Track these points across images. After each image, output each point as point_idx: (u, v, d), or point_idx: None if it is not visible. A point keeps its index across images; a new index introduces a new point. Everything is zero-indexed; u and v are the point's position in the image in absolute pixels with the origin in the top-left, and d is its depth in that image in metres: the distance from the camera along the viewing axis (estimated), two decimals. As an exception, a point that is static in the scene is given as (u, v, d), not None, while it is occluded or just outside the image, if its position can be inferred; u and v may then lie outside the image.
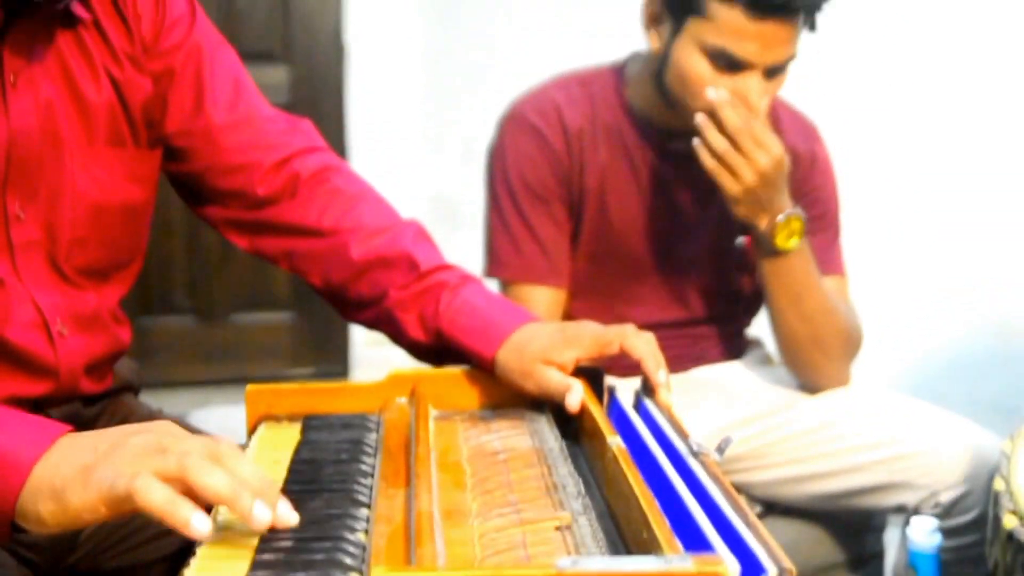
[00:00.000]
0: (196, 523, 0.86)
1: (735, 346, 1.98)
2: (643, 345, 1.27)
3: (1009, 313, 2.60)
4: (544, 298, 1.80)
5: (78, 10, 1.23)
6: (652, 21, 1.74)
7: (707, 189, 1.76)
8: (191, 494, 0.87)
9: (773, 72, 1.67)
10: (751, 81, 1.65)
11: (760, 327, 1.95)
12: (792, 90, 1.77)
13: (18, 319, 1.22)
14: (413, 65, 3.86)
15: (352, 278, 1.41)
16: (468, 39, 3.65)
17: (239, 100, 1.40)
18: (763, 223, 1.66)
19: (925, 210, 2.78)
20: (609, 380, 1.29)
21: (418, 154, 3.86)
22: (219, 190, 1.41)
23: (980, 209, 2.68)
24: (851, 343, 1.81)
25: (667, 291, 1.88)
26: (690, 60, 1.67)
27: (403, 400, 1.30)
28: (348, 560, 0.88)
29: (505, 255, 1.82)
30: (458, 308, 1.37)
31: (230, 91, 1.39)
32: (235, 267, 3.77)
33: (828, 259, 1.83)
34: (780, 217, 1.65)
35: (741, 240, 1.82)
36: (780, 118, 1.84)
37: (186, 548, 0.91)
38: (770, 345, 1.92)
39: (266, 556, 0.89)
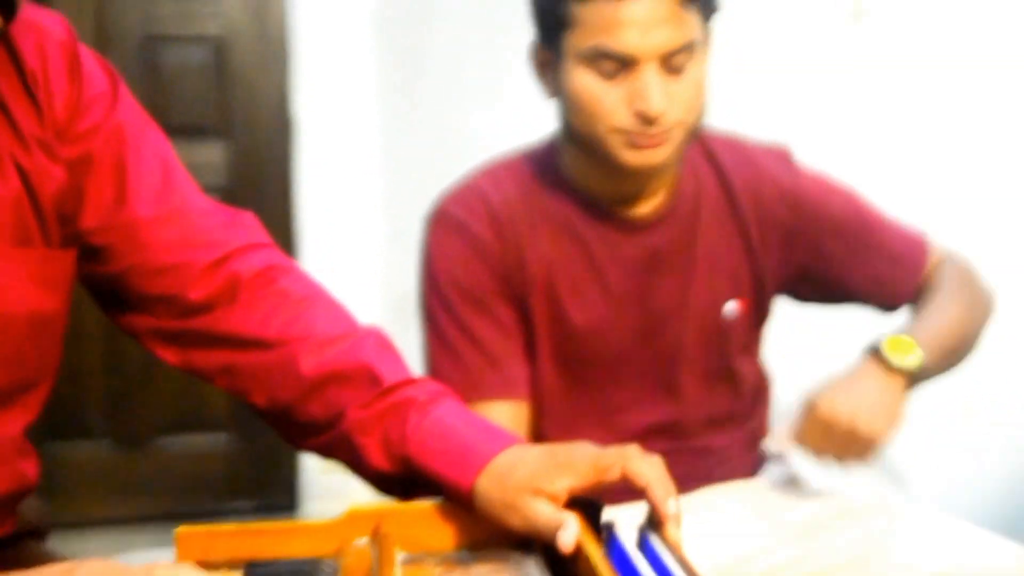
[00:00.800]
0: None
1: (750, 459, 1.97)
2: (649, 470, 1.25)
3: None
4: (502, 417, 1.75)
5: None
6: (544, 70, 1.77)
7: (680, 257, 1.79)
8: None
9: (673, 65, 1.66)
10: (645, 75, 1.64)
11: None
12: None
13: None
14: (370, 141, 3.91)
15: (302, 396, 1.38)
16: (430, 109, 3.70)
17: (168, 190, 1.39)
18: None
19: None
20: (608, 512, 1.27)
21: (377, 245, 3.89)
22: (144, 295, 1.39)
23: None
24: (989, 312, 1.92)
25: (654, 391, 1.86)
26: (576, 79, 1.68)
27: (364, 541, 1.28)
28: None
29: (446, 373, 1.77)
30: (429, 430, 1.34)
31: (158, 179, 1.39)
32: (161, 384, 3.77)
33: (906, 254, 1.88)
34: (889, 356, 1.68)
35: (732, 306, 1.83)
36: (758, 160, 1.87)
37: None
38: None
39: None
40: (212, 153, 3.87)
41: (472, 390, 1.75)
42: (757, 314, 1.88)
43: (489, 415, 1.71)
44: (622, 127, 1.67)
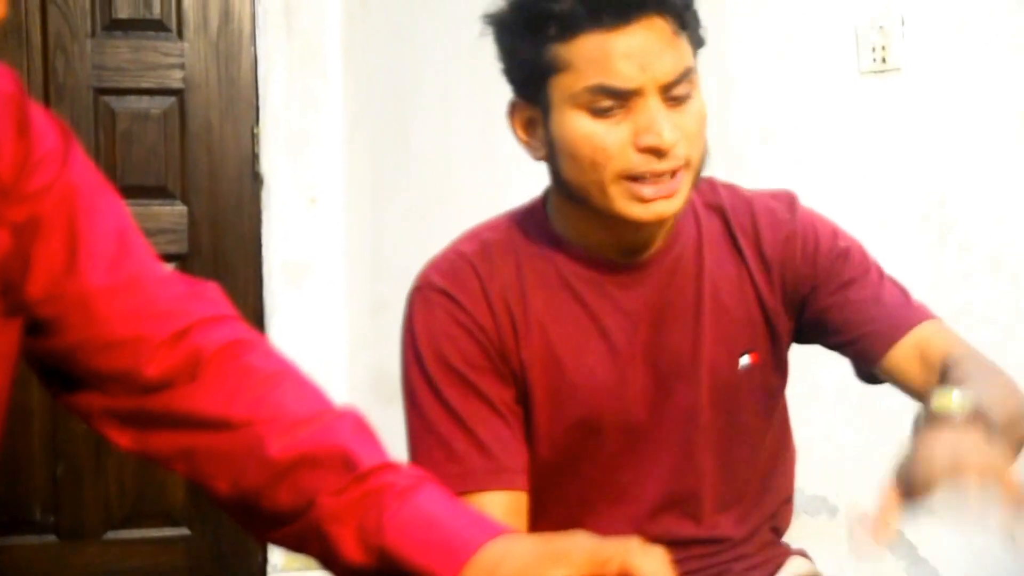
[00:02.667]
0: None
1: (770, 554, 1.95)
2: (651, 565, 1.25)
3: None
4: (497, 510, 1.70)
5: None
6: (527, 130, 1.77)
7: (687, 307, 1.79)
8: None
9: (674, 96, 1.67)
10: (650, 108, 1.64)
11: (804, 535, 1.94)
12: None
13: None
14: (344, 202, 3.92)
15: (270, 482, 1.36)
16: (409, 167, 3.72)
17: (124, 257, 1.39)
18: None
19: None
20: None
21: (354, 316, 3.89)
22: (96, 372, 1.38)
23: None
24: None
25: (669, 462, 1.83)
26: (571, 126, 1.68)
27: (336, 645, 1.28)
28: None
29: (434, 462, 1.71)
30: (409, 518, 1.33)
31: (112, 245, 1.38)
32: (113, 471, 3.75)
33: (911, 309, 1.85)
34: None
35: (747, 360, 1.81)
36: (760, 203, 1.87)
37: None
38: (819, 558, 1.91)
39: None
40: (172, 216, 3.88)
41: (464, 481, 1.72)
42: (775, 366, 1.86)
43: (484, 509, 1.67)
44: (629, 170, 1.65)
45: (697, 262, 1.81)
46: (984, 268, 2.82)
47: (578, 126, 1.67)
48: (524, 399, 1.80)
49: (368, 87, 3.91)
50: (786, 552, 1.98)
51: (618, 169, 1.65)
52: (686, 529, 1.83)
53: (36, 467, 3.73)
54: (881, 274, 1.88)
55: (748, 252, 1.83)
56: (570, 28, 1.65)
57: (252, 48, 3.95)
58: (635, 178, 1.66)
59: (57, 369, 1.40)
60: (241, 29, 3.95)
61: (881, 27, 2.93)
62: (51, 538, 3.82)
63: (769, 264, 1.82)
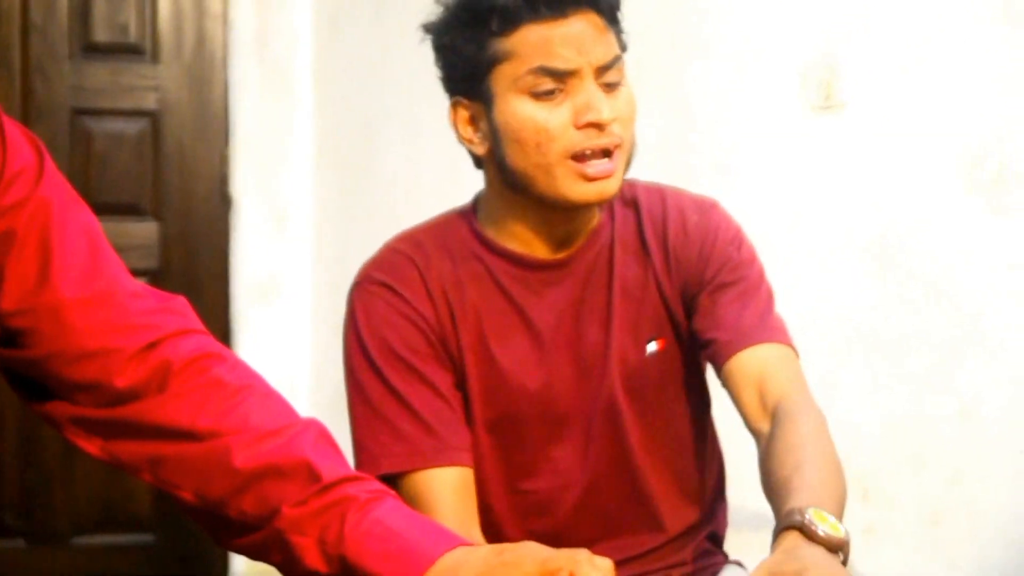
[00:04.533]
0: None
1: (707, 562, 1.93)
2: (594, 572, 1.25)
3: None
4: (446, 484, 1.75)
5: None
6: (469, 126, 1.79)
7: (600, 299, 1.81)
8: None
9: (607, 80, 1.71)
10: (588, 88, 1.70)
11: (747, 550, 1.94)
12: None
13: None
14: (312, 221, 3.92)
15: (235, 492, 1.35)
16: (370, 192, 3.72)
17: (95, 271, 1.37)
18: None
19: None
20: None
21: (319, 334, 3.88)
22: (67, 382, 1.36)
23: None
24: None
25: (595, 443, 1.84)
26: (516, 111, 1.72)
27: (295, 650, 1.27)
28: None
29: (377, 444, 1.77)
30: (369, 529, 1.32)
31: (84, 259, 1.36)
32: (82, 478, 3.72)
33: (762, 325, 1.82)
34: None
35: (654, 347, 1.83)
36: (674, 202, 1.89)
37: None
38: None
39: None
40: (144, 233, 3.87)
41: (412, 459, 1.75)
42: (681, 353, 1.86)
43: (433, 486, 1.74)
44: (572, 147, 1.69)
45: (610, 259, 1.84)
46: (924, 296, 2.83)
47: (522, 110, 1.71)
48: (462, 385, 1.81)
49: (337, 112, 3.91)
50: (723, 561, 1.98)
51: (561, 148, 1.69)
52: (625, 513, 1.85)
53: (7, 472, 3.70)
54: (758, 288, 1.87)
55: (654, 247, 1.85)
56: (512, 21, 1.69)
57: (224, 73, 3.95)
58: (578, 157, 1.69)
59: (29, 378, 1.38)
60: (214, 54, 3.94)
61: (827, 66, 2.94)
62: (20, 542, 3.79)
63: (670, 259, 1.85)
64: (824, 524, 1.48)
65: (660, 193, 1.89)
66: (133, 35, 3.90)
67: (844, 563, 1.46)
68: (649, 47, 3.18)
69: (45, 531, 3.80)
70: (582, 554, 1.26)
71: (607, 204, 1.83)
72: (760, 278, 1.87)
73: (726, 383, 1.78)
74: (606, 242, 1.85)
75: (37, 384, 1.39)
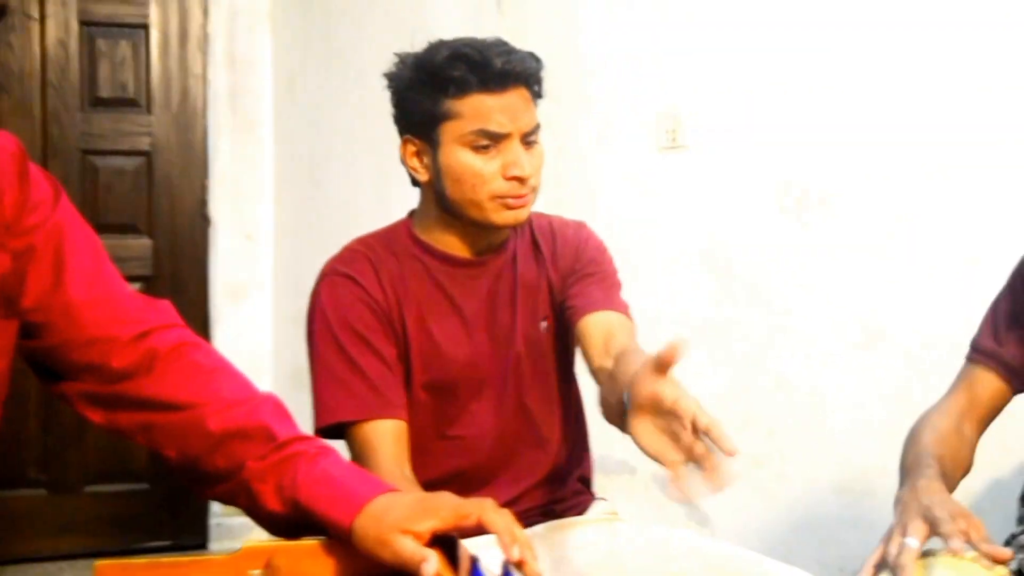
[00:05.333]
0: None
1: (580, 499, 1.97)
2: (499, 520, 1.24)
3: (860, 471, 2.65)
4: (387, 433, 1.76)
5: None
6: (416, 158, 1.81)
7: (507, 289, 1.86)
8: None
9: (529, 141, 1.76)
10: (515, 149, 1.74)
11: (611, 491, 1.95)
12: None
13: None
14: (272, 239, 3.90)
15: (209, 450, 1.35)
16: (320, 212, 3.70)
17: (98, 278, 1.37)
18: None
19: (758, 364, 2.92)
20: (475, 544, 1.25)
21: (278, 325, 3.85)
22: (75, 364, 1.36)
23: (815, 375, 2.81)
24: None
25: (507, 403, 1.88)
26: (458, 158, 1.75)
27: (257, 574, 1.24)
28: None
29: (334, 399, 1.78)
30: (316, 478, 1.32)
31: (90, 269, 1.36)
32: (90, 439, 3.69)
33: (609, 299, 1.86)
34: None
35: (544, 324, 1.88)
36: (556, 224, 1.95)
37: None
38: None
39: None
40: (139, 247, 3.84)
41: (360, 412, 1.76)
42: (560, 329, 1.90)
43: (375, 433, 1.75)
44: (499, 192, 1.74)
45: (514, 261, 1.90)
46: (745, 295, 2.86)
47: (463, 158, 1.75)
48: (405, 357, 1.83)
49: (292, 153, 3.90)
50: (591, 498, 2.02)
51: (491, 191, 1.74)
52: (509, 458, 1.87)
53: (30, 436, 3.66)
54: (610, 278, 1.92)
55: (545, 253, 1.92)
56: (463, 90, 1.72)
57: (204, 121, 3.92)
58: (502, 197, 1.74)
59: (46, 363, 1.38)
60: (195, 107, 3.91)
61: (672, 117, 2.96)
62: (42, 491, 3.75)
63: (556, 262, 1.91)
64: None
65: (546, 218, 1.98)
66: (131, 91, 3.86)
67: None
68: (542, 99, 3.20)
69: (61, 482, 3.76)
70: (488, 503, 1.26)
71: None
72: (613, 273, 1.94)
73: (579, 335, 1.81)
74: (511, 250, 1.90)
75: (52, 368, 1.38)
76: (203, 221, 3.89)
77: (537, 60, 1.79)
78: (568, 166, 3.14)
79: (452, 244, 1.85)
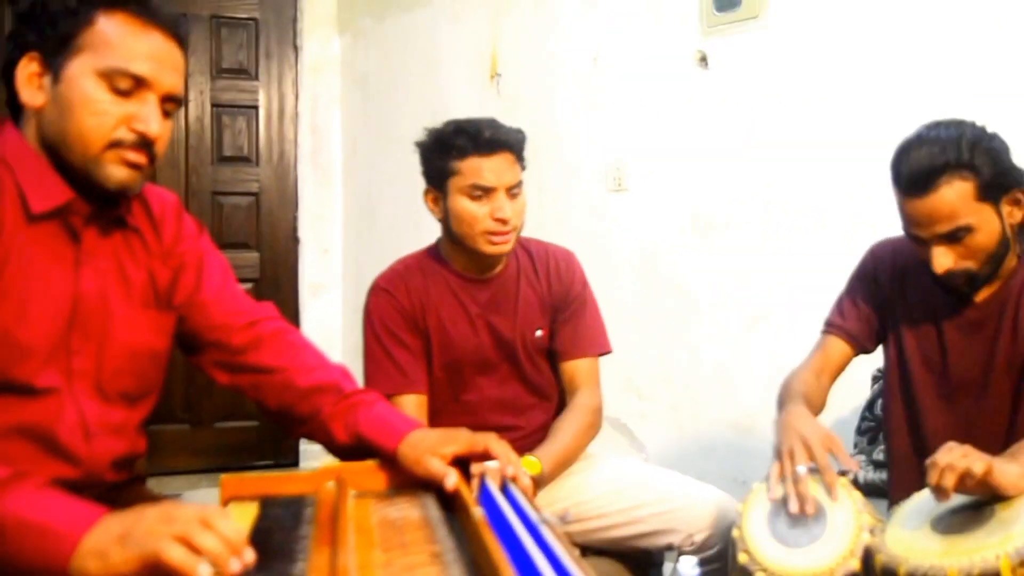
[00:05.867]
0: (203, 571, 0.85)
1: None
2: (500, 448, 1.25)
3: (745, 413, 2.66)
4: (408, 403, 1.75)
5: (128, 219, 1.26)
6: (434, 203, 1.78)
7: (509, 302, 1.81)
8: (192, 548, 0.87)
9: (512, 193, 1.72)
10: (500, 198, 1.70)
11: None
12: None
13: (65, 422, 1.18)
14: (341, 256, 3.90)
15: (297, 400, 1.36)
16: (380, 240, 3.70)
17: (224, 285, 1.39)
18: None
19: (664, 316, 2.90)
20: (484, 466, 1.24)
21: (346, 315, 3.85)
22: (207, 342, 1.37)
23: (719, 312, 2.81)
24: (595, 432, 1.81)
25: (508, 384, 1.84)
26: (460, 204, 1.71)
27: (331, 484, 1.25)
28: (289, 602, 0.85)
29: (374, 378, 1.76)
30: (371, 418, 1.33)
31: (219, 280, 1.38)
32: (217, 391, 3.67)
33: (581, 345, 1.83)
34: None
35: (540, 333, 1.83)
36: (552, 252, 1.89)
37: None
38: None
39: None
40: (250, 259, 3.82)
41: (393, 388, 1.75)
42: (551, 338, 1.85)
43: (401, 403, 1.74)
44: (487, 229, 1.72)
45: (516, 279, 1.85)
46: (667, 290, 2.86)
47: (463, 205, 1.72)
48: (428, 348, 1.80)
49: (354, 193, 3.88)
50: None
51: (482, 228, 1.72)
52: (510, 419, 1.83)
53: (177, 387, 3.65)
54: (592, 313, 1.87)
55: (542, 277, 1.86)
56: (463, 153, 1.71)
57: (295, 172, 3.91)
58: (491, 234, 1.72)
59: (188, 341, 1.39)
60: (289, 162, 3.91)
61: (617, 167, 2.96)
62: (185, 427, 3.74)
63: (551, 286, 1.86)
64: (526, 465, 1.49)
65: (543, 245, 1.91)
66: (245, 151, 3.84)
67: (537, 486, 1.53)
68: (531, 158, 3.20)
69: (198, 420, 3.75)
70: (492, 435, 1.26)
71: (513, 251, 1.82)
72: (588, 304, 1.88)
73: (560, 371, 1.84)
74: (514, 270, 1.84)
75: (192, 344, 1.39)
76: (294, 241, 3.88)
77: (519, 133, 1.76)
78: (546, 200, 3.14)
79: (463, 264, 1.81)
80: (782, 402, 1.63)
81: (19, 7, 1.19)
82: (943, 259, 1.47)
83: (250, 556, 0.88)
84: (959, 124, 1.48)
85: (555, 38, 3.12)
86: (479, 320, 1.81)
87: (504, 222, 1.71)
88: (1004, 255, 1.49)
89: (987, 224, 1.45)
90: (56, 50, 1.13)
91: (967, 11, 2.22)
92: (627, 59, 2.91)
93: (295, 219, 3.88)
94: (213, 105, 3.78)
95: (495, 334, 1.81)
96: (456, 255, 1.81)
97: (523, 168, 1.77)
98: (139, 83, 1.14)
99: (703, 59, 2.71)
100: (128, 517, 0.91)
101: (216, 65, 3.77)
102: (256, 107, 3.84)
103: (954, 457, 1.26)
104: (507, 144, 1.71)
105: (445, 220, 1.77)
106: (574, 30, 3.06)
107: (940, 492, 1.27)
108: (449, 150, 1.72)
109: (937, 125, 1.49)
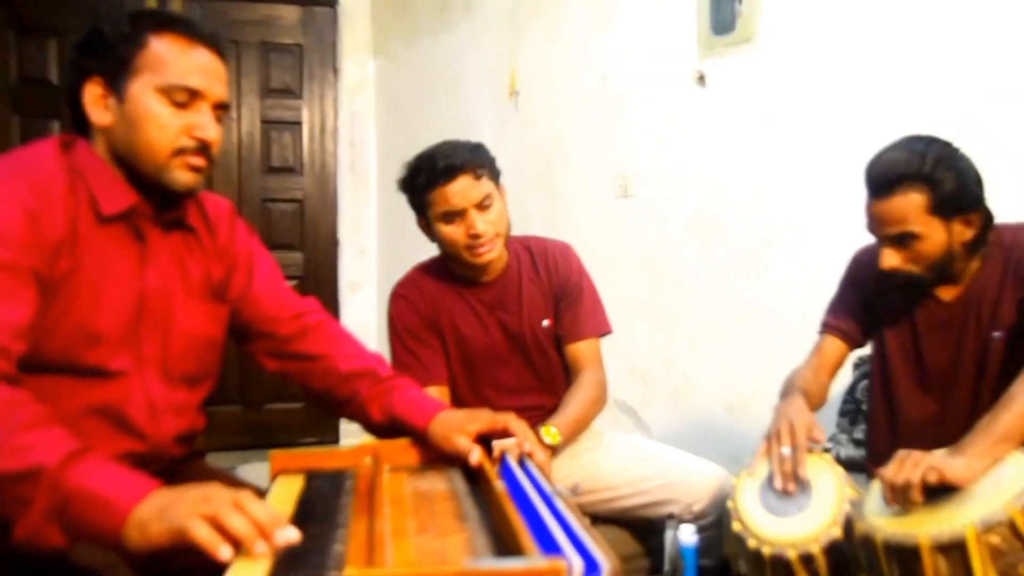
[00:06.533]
0: (223, 552, 0.84)
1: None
2: (518, 426, 1.26)
3: (738, 397, 2.64)
4: (432, 394, 1.67)
5: (186, 220, 1.27)
6: (426, 230, 1.75)
7: (514, 300, 1.78)
8: (223, 529, 0.85)
9: (483, 206, 1.67)
10: (470, 216, 1.66)
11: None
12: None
13: (134, 401, 1.19)
14: (375, 257, 3.90)
15: (338, 384, 1.37)
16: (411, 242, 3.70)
17: (272, 282, 1.39)
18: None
19: (655, 299, 2.88)
20: (504, 444, 1.25)
21: (380, 310, 3.85)
22: (257, 332, 1.38)
23: (705, 307, 2.80)
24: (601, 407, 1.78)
25: (521, 374, 1.82)
26: (440, 228, 1.69)
27: (369, 460, 1.26)
28: (331, 562, 0.86)
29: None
30: (404, 400, 1.34)
31: (268, 277, 1.38)
32: (267, 378, 3.68)
33: (582, 327, 1.80)
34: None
35: (546, 323, 1.80)
36: (550, 247, 1.85)
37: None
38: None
39: (281, 559, 0.86)
40: (295, 259, 3.82)
41: (418, 382, 1.66)
42: (556, 327, 1.82)
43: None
44: (466, 244, 1.69)
45: (518, 276, 1.81)
46: (669, 284, 2.84)
47: (441, 229, 1.70)
48: (444, 345, 1.78)
49: (388, 201, 3.87)
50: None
51: (462, 245, 1.69)
52: (525, 401, 1.81)
53: (231, 373, 3.66)
54: (583, 297, 1.83)
55: (542, 271, 1.83)
56: (428, 187, 1.68)
57: (335, 181, 3.90)
58: (469, 248, 1.69)
59: (240, 332, 1.40)
60: (329, 172, 3.91)
61: (624, 176, 2.95)
62: (238, 407, 3.75)
63: (551, 279, 1.82)
64: (547, 434, 1.54)
65: (542, 242, 1.87)
66: (291, 163, 3.84)
67: (554, 453, 1.52)
68: (538, 167, 3.19)
69: (250, 401, 3.76)
70: (512, 415, 1.28)
71: (514, 249, 1.80)
72: (589, 287, 1.84)
73: (565, 354, 1.80)
74: (515, 269, 1.81)
75: (244, 334, 1.40)
76: (334, 243, 3.89)
77: (475, 150, 1.71)
78: (559, 205, 3.13)
79: (463, 272, 1.79)
80: (783, 395, 1.63)
81: (79, 40, 1.20)
82: (889, 259, 1.48)
83: (294, 534, 0.87)
84: (931, 141, 1.47)
85: (568, 60, 3.11)
86: (488, 318, 1.79)
87: (478, 236, 1.68)
88: (948, 265, 1.49)
89: (934, 236, 1.45)
90: (117, 73, 1.15)
91: (944, 30, 2.19)
92: (632, 78, 2.90)
93: (335, 223, 3.88)
94: (262, 122, 3.79)
95: (505, 329, 1.79)
96: (456, 265, 1.79)
97: (493, 176, 1.72)
98: (193, 95, 1.16)
99: (701, 78, 2.70)
100: (172, 493, 0.90)
101: (265, 86, 3.78)
102: (300, 123, 3.84)
103: (906, 471, 1.23)
104: (461, 167, 1.66)
105: (438, 243, 1.76)
106: (585, 53, 3.05)
107: (906, 504, 1.24)
108: (415, 187, 1.71)
109: (913, 138, 1.49)
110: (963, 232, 1.47)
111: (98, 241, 1.15)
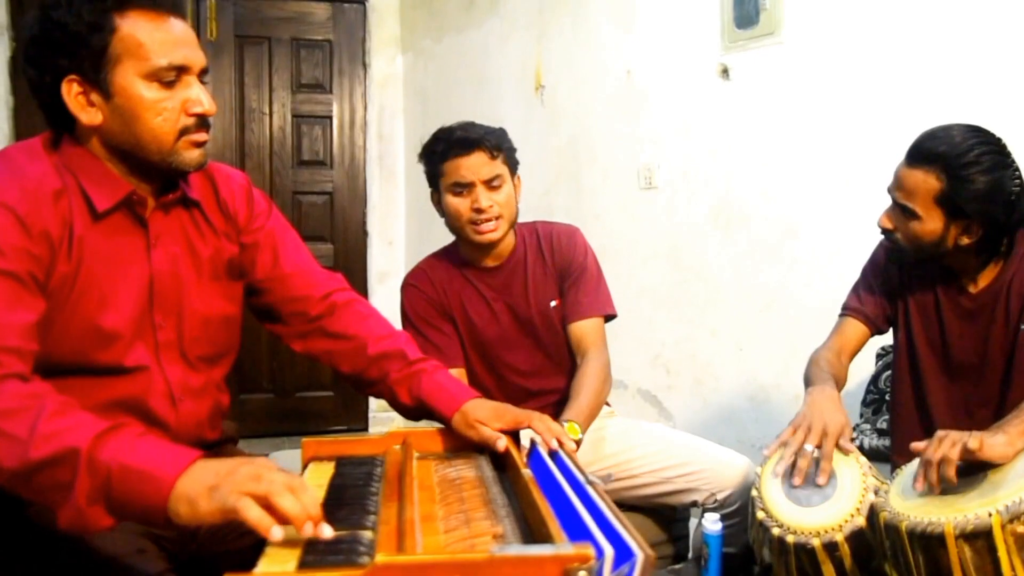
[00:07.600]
0: (275, 532, 0.83)
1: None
2: (541, 423, 1.23)
3: (761, 386, 2.61)
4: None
5: (191, 194, 1.22)
6: (437, 204, 1.75)
7: (520, 283, 1.76)
8: (271, 509, 0.84)
9: (492, 185, 1.67)
10: (477, 191, 1.66)
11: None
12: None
13: (155, 392, 1.17)
14: (403, 247, 3.90)
15: (367, 365, 1.34)
16: (432, 229, 3.69)
17: (299, 259, 1.35)
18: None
19: (681, 296, 2.85)
20: (532, 434, 1.23)
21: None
22: (285, 312, 1.34)
23: (733, 301, 2.75)
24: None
25: (533, 356, 1.79)
26: (448, 200, 1.69)
27: (398, 447, 1.25)
28: (362, 548, 0.85)
29: None
30: (432, 385, 1.31)
31: (293, 254, 1.34)
32: (298, 363, 3.70)
33: (586, 306, 1.76)
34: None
35: (554, 303, 1.78)
36: (557, 230, 1.82)
37: (262, 541, 0.85)
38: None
39: (312, 546, 0.85)
40: (326, 250, 3.82)
41: None
42: (564, 307, 1.78)
43: None
44: (470, 219, 1.68)
45: (524, 260, 1.79)
46: (689, 275, 2.81)
47: (449, 201, 1.70)
48: (456, 329, 1.77)
49: (416, 193, 3.86)
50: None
51: (467, 219, 1.69)
52: (539, 384, 1.79)
53: (262, 360, 3.68)
54: (587, 276, 1.78)
55: (547, 254, 1.80)
56: (443, 157, 1.68)
57: (364, 174, 3.91)
58: (474, 223, 1.69)
59: (267, 312, 1.36)
60: (359, 165, 3.92)
61: (648, 168, 2.92)
62: (270, 395, 3.77)
63: (556, 260, 1.79)
64: (569, 431, 1.47)
65: (549, 226, 1.85)
66: (321, 156, 3.85)
67: (577, 445, 1.41)
68: (563, 161, 3.17)
69: (281, 389, 3.78)
70: (535, 412, 1.25)
71: (521, 234, 1.78)
72: (590, 270, 1.79)
73: (568, 333, 1.76)
74: (521, 253, 1.79)
75: (271, 314, 1.36)
76: (363, 234, 3.89)
77: (495, 131, 1.71)
78: (584, 197, 3.11)
79: (471, 255, 1.77)
80: (811, 379, 1.59)
81: (32, 32, 1.09)
82: (886, 220, 1.50)
83: (328, 532, 0.84)
84: (988, 142, 1.42)
85: (593, 54, 3.08)
86: (497, 303, 1.77)
87: (481, 211, 1.66)
88: (934, 254, 1.48)
89: (930, 223, 1.44)
90: (93, 67, 1.07)
91: (967, 23, 2.13)
92: (656, 72, 2.86)
93: (364, 215, 3.88)
94: (293, 116, 3.80)
95: (513, 313, 1.78)
96: (464, 248, 1.77)
97: (509, 162, 1.71)
98: (180, 71, 1.10)
99: (725, 71, 2.66)
100: (223, 467, 0.88)
101: (296, 81, 3.79)
102: (330, 117, 3.84)
103: (944, 448, 1.23)
104: (479, 142, 1.66)
105: (445, 217, 1.74)
106: (610, 47, 3.01)
107: (939, 484, 1.23)
108: (433, 156, 1.70)
109: (976, 129, 1.44)
110: (961, 237, 1.45)
111: (97, 237, 1.11)
